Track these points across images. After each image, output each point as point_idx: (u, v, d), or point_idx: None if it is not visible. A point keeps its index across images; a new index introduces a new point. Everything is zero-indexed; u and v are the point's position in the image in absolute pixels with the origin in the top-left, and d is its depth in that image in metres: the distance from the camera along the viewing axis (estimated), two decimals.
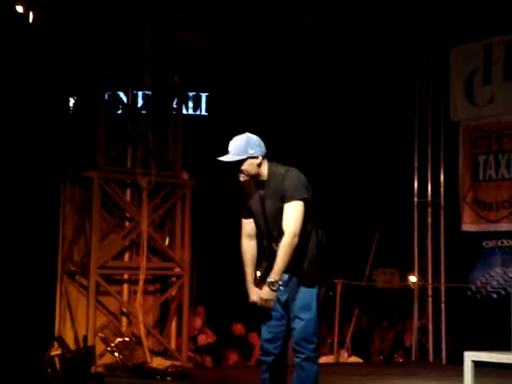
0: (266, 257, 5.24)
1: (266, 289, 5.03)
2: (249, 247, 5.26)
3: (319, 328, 5.34)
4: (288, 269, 5.11)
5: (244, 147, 5.06)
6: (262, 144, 5.14)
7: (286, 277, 5.14)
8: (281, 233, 5.09)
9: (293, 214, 5.03)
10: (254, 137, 5.14)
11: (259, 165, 5.10)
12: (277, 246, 5.12)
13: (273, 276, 5.00)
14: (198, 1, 9.63)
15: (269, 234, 5.19)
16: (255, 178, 5.13)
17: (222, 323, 11.25)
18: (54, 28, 9.63)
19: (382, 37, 10.25)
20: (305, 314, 5.13)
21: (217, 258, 12.39)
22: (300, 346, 5.15)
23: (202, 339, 10.59)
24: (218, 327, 11.06)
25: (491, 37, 9.75)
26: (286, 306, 5.19)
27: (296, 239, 5.01)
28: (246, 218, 5.28)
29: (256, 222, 5.24)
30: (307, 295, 5.14)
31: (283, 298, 5.18)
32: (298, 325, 5.14)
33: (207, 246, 11.37)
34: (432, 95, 10.33)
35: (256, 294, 5.12)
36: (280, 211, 5.08)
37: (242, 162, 5.06)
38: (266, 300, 5.04)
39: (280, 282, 5.10)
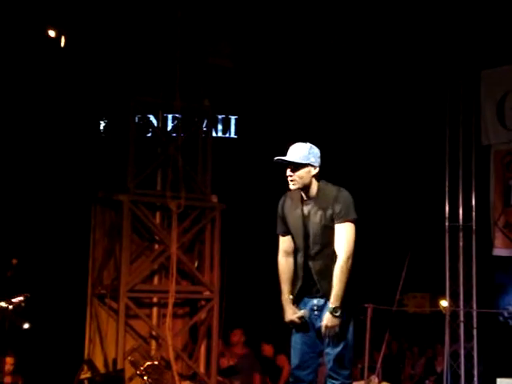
0: (300, 275, 5.15)
1: (329, 316, 4.97)
2: (286, 264, 5.21)
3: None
4: (323, 293, 5.06)
5: (307, 154, 5.05)
6: (320, 157, 5.11)
7: (321, 302, 5.08)
8: (320, 250, 5.05)
9: (346, 237, 4.99)
10: (316, 148, 5.12)
11: (314, 176, 5.05)
12: (313, 263, 5.08)
13: (334, 302, 4.95)
14: (227, 25, 9.66)
15: (306, 251, 5.10)
16: (305, 189, 5.07)
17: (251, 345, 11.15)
18: (85, 52, 9.71)
19: (414, 61, 10.22)
20: (341, 341, 5.05)
21: (247, 280, 12.33)
22: (335, 373, 5.09)
23: (223, 362, 10.49)
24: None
25: None
26: (320, 331, 5.08)
27: (350, 261, 4.97)
28: (284, 234, 5.22)
29: (294, 239, 5.18)
30: (343, 321, 5.03)
31: (318, 323, 5.09)
32: (333, 351, 5.06)
33: (237, 268, 11.32)
34: (463, 119, 10.26)
35: (292, 313, 5.11)
36: (325, 228, 5.03)
37: (300, 167, 5.02)
38: (331, 327, 4.97)
39: (315, 307, 5.08)
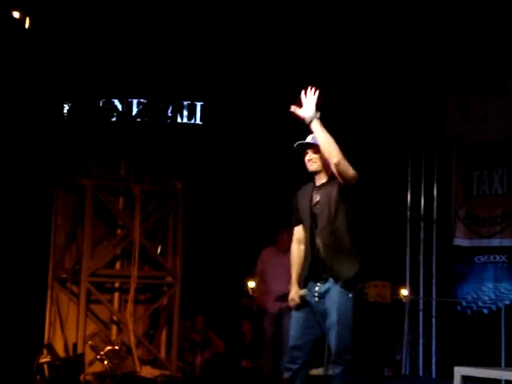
0: (308, 255, 5.37)
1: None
2: (297, 251, 5.52)
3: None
4: (328, 274, 5.23)
5: None
6: None
7: (323, 288, 5.26)
8: (325, 226, 5.26)
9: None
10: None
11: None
12: (319, 239, 5.28)
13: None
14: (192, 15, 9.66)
15: (312, 230, 5.33)
16: (320, 172, 5.39)
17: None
18: (49, 34, 9.61)
19: (379, 51, 10.28)
20: (341, 325, 5.16)
21: (204, 266, 12.34)
22: (339, 358, 5.20)
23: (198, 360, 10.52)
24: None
25: (487, 54, 9.78)
26: (322, 316, 5.27)
27: (341, 157, 5.14)
28: (297, 224, 5.53)
29: (303, 224, 5.44)
30: (343, 305, 5.18)
31: (319, 307, 5.28)
32: (334, 336, 5.17)
33: (196, 254, 11.32)
34: (426, 109, 10.35)
35: (294, 293, 5.38)
36: (331, 207, 5.26)
37: (319, 149, 5.29)
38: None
39: (316, 294, 5.28)
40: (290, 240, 5.70)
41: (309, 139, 5.37)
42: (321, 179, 5.40)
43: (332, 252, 5.24)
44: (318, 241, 5.28)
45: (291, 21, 10.34)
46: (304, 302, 5.35)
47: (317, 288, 5.29)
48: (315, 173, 5.42)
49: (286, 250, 5.99)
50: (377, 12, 9.80)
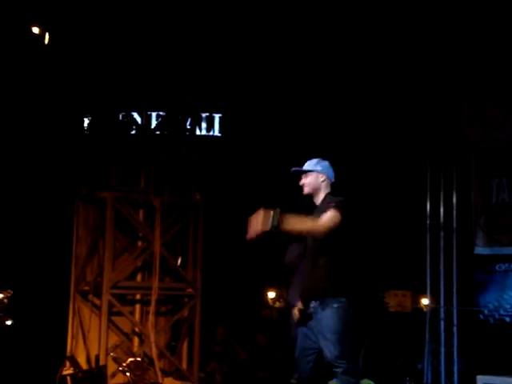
0: (303, 276, 5.63)
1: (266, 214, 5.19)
2: None
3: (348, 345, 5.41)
4: (312, 295, 5.43)
5: (315, 164, 5.64)
6: (331, 171, 5.67)
7: (315, 304, 5.43)
8: (310, 248, 5.49)
9: (327, 214, 5.31)
10: (326, 161, 5.71)
11: (323, 184, 5.58)
12: (306, 259, 5.53)
13: (283, 220, 5.14)
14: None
15: (305, 250, 5.61)
16: (315, 195, 5.61)
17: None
18: (69, 49, 9.72)
19: (396, 61, 10.30)
20: (331, 338, 5.31)
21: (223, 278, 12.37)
22: (334, 362, 5.34)
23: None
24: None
25: (504, 61, 9.77)
26: (317, 332, 5.43)
27: (321, 229, 5.28)
28: None
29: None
30: (328, 319, 5.34)
31: (315, 324, 5.44)
32: (326, 348, 5.34)
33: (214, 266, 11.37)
34: (445, 118, 10.34)
35: (296, 309, 5.61)
36: None
37: (309, 173, 5.59)
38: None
39: (312, 309, 5.42)
40: None
41: (305, 165, 5.64)
42: (316, 201, 5.64)
43: (310, 269, 5.48)
44: (306, 259, 5.57)
45: (312, 37, 10.39)
46: (304, 317, 5.54)
47: (312, 305, 5.49)
48: (311, 196, 5.65)
49: None
50: (394, 25, 9.84)
